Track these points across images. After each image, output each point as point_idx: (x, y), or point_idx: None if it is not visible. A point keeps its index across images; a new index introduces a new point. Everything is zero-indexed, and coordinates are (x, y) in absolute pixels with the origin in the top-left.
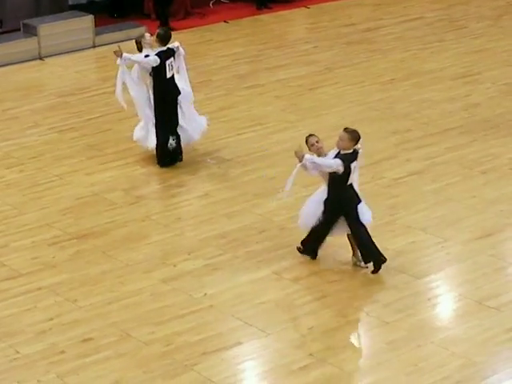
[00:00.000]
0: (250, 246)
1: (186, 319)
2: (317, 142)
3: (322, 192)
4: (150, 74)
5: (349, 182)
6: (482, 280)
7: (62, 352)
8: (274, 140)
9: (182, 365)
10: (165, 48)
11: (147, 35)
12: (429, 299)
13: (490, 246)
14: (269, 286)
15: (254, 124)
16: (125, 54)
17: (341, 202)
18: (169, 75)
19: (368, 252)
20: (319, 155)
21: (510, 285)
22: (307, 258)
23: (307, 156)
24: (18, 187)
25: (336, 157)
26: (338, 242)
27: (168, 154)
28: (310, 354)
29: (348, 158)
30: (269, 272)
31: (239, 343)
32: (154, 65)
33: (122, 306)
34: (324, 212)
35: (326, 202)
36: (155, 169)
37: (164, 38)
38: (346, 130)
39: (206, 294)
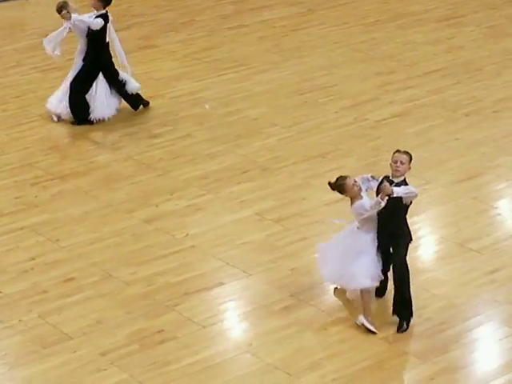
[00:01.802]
0: (232, 186)
1: (167, 259)
2: (355, 181)
3: (356, 239)
4: (87, 37)
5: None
6: (464, 222)
7: (44, 292)
8: (256, 81)
9: (164, 305)
10: (105, 11)
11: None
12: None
13: (473, 188)
14: (251, 226)
15: (236, 65)
16: (74, 16)
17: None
18: (107, 40)
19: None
20: (355, 196)
21: (491, 227)
22: (290, 198)
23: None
24: (0, 126)
25: (399, 185)
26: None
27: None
28: (292, 295)
29: None
30: (251, 213)
31: (221, 284)
32: (99, 27)
33: (104, 246)
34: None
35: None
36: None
37: (107, 0)
38: (401, 151)
39: (187, 235)
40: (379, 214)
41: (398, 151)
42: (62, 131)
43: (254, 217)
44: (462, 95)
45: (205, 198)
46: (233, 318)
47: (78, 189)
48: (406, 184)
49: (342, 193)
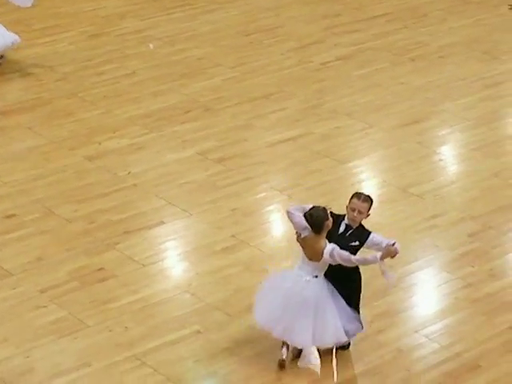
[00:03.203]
0: (175, 125)
1: (109, 197)
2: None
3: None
4: None
5: None
6: (407, 167)
7: None
8: (202, 20)
9: (104, 243)
10: None
11: None
12: (352, 185)
13: (416, 133)
14: (193, 166)
15: (183, 4)
16: None
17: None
18: None
19: None
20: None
21: (433, 173)
22: (232, 139)
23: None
24: None
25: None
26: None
27: None
28: (233, 236)
29: None
30: (193, 152)
31: (162, 223)
32: None
33: (46, 183)
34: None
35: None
36: (83, 44)
37: None
38: (361, 198)
39: (130, 173)
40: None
41: (357, 196)
42: (4, 67)
43: (197, 156)
44: (408, 40)
45: (147, 137)
46: (173, 258)
47: (20, 125)
48: (363, 229)
49: (316, 228)
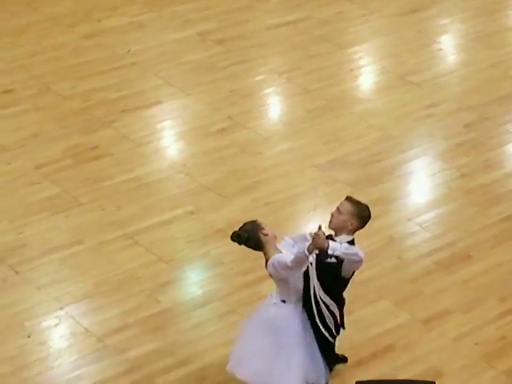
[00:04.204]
0: (176, 5)
1: (107, 75)
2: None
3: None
4: None
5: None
6: (406, 55)
7: None
8: None
9: (100, 121)
10: None
11: None
12: (351, 70)
13: (417, 21)
14: (193, 46)
15: None
16: None
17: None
18: None
19: None
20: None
21: (432, 62)
22: (233, 20)
23: (335, 245)
24: None
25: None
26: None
27: None
28: (229, 117)
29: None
30: (193, 32)
31: (159, 102)
32: None
33: (44, 60)
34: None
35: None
36: None
37: None
38: (347, 199)
39: (129, 51)
40: (304, 285)
41: (346, 197)
42: None
43: (196, 37)
44: None
45: (148, 16)
46: (169, 138)
47: (19, 1)
48: (352, 244)
49: (251, 245)
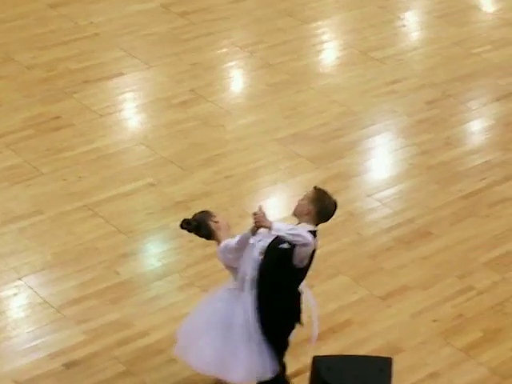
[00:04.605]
0: None
1: (69, 46)
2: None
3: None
4: None
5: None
6: (369, 31)
7: None
8: None
9: (63, 91)
10: None
11: None
12: (314, 45)
13: None
14: (156, 18)
15: None
16: None
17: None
18: None
19: None
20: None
21: (396, 38)
22: None
23: (279, 225)
24: None
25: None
26: None
27: None
28: (191, 90)
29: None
30: (157, 4)
31: (121, 74)
32: None
33: (7, 29)
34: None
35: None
36: None
37: None
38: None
39: (92, 23)
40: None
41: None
42: None
43: (160, 9)
44: None
45: None
46: (130, 109)
47: None
48: (314, 235)
49: (202, 234)
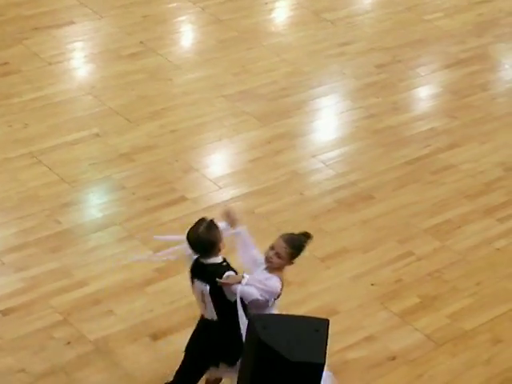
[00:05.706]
0: None
1: None
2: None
3: None
4: None
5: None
6: None
7: None
8: None
9: (12, 37)
10: None
11: None
12: (266, 3)
13: None
14: None
15: None
16: None
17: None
18: None
19: None
20: None
21: (348, 0)
22: None
23: (245, 288)
24: None
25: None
26: None
27: None
28: (141, 42)
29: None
30: None
31: (72, 23)
32: None
33: None
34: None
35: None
36: None
37: None
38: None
39: None
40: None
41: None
42: None
43: None
44: None
45: None
46: (79, 59)
47: None
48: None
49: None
